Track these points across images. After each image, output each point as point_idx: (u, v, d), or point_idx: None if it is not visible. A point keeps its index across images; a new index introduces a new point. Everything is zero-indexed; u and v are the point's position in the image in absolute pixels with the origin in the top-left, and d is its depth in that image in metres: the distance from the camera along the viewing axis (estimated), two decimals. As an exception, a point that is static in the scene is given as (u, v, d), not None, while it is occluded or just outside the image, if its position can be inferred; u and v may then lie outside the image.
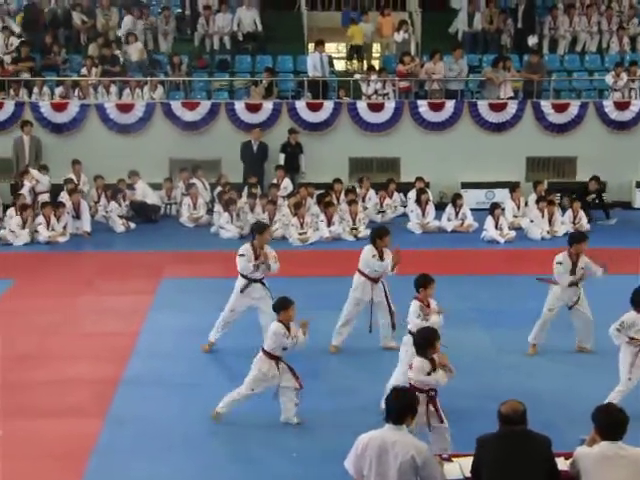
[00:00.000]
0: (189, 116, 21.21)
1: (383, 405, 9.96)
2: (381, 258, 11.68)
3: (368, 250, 11.76)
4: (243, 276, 11.80)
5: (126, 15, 23.92)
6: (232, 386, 9.86)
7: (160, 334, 12.72)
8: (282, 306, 9.74)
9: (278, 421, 9.82)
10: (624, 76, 21.79)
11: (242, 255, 11.74)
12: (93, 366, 11.46)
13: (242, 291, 11.76)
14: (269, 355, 9.68)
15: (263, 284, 11.82)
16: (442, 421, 8.45)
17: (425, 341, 8.47)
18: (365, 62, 23.97)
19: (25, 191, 19.34)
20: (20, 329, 12.89)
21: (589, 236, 12.22)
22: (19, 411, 10.16)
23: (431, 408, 8.41)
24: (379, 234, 11.84)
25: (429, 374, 8.39)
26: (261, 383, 9.71)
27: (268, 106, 21.36)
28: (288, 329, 9.67)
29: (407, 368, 9.72)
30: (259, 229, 12.03)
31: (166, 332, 12.78)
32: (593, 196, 20.22)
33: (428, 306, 9.92)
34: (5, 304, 14.19)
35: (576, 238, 11.88)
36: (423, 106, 21.45)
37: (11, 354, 11.80)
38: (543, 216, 18.70)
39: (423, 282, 9.92)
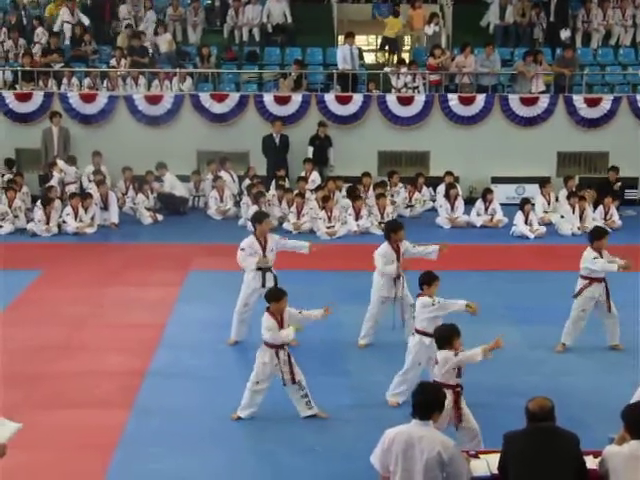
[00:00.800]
0: (217, 108, 21.25)
1: (390, 399, 10.10)
2: (397, 253, 11.67)
3: (380, 251, 11.70)
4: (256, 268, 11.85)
5: (121, 4, 23.97)
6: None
7: (187, 326, 12.78)
8: (274, 297, 9.66)
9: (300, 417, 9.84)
10: (659, 70, 21.64)
11: (242, 249, 11.83)
12: (120, 357, 11.53)
13: (264, 285, 11.75)
14: (269, 345, 9.64)
15: (272, 272, 11.87)
16: (460, 421, 8.39)
17: (443, 339, 8.43)
18: (395, 55, 23.91)
19: (55, 182, 19.50)
20: (47, 320, 12.99)
21: (620, 232, 12.12)
22: (46, 402, 10.26)
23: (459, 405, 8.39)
24: (393, 228, 11.81)
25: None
26: (266, 375, 9.68)
27: (297, 99, 21.36)
28: (279, 321, 9.60)
29: (414, 372, 9.76)
30: (258, 219, 12.08)
31: (192, 324, 12.84)
32: (619, 184, 20.13)
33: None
34: (32, 295, 14.29)
35: (597, 235, 11.78)
36: (453, 100, 21.37)
37: (38, 344, 11.92)
38: (574, 212, 18.57)
39: (428, 280, 9.84)
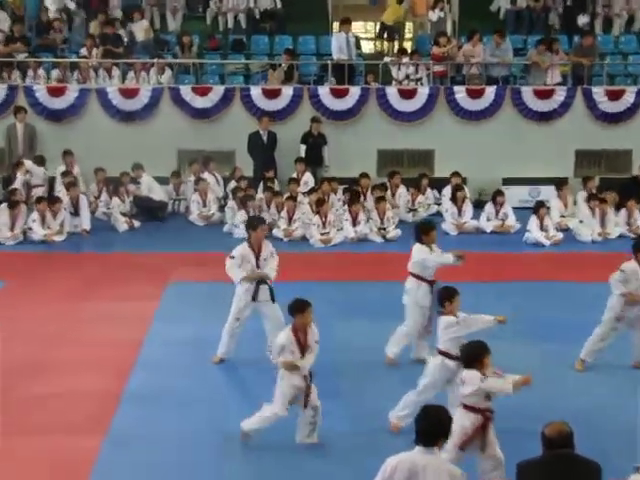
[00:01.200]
0: (200, 102, 21.28)
1: (393, 420, 10.09)
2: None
3: (419, 248, 11.59)
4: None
5: None
6: (244, 401, 9.83)
7: (166, 344, 12.74)
8: (298, 309, 9.51)
9: (295, 442, 9.82)
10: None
11: (232, 257, 11.77)
12: (92, 379, 11.50)
13: (254, 298, 11.76)
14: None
15: (267, 284, 11.82)
16: (483, 449, 8.40)
17: (472, 357, 8.41)
18: (396, 43, 23.95)
19: (19, 185, 19.47)
20: (11, 338, 12.89)
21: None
22: (12, 427, 10.21)
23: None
24: (424, 230, 11.69)
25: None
26: (295, 400, 9.58)
27: (288, 92, 21.39)
28: (299, 340, 9.49)
29: (426, 395, 9.72)
30: (253, 225, 11.98)
31: (173, 342, 12.80)
32: None
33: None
34: (-5, 310, 14.27)
35: None
36: (460, 92, 21.43)
37: (1, 365, 11.87)
38: (594, 216, 18.64)
39: (448, 295, 9.79)
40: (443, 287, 9.99)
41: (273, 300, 11.71)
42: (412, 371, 11.34)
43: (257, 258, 11.78)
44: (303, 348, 9.51)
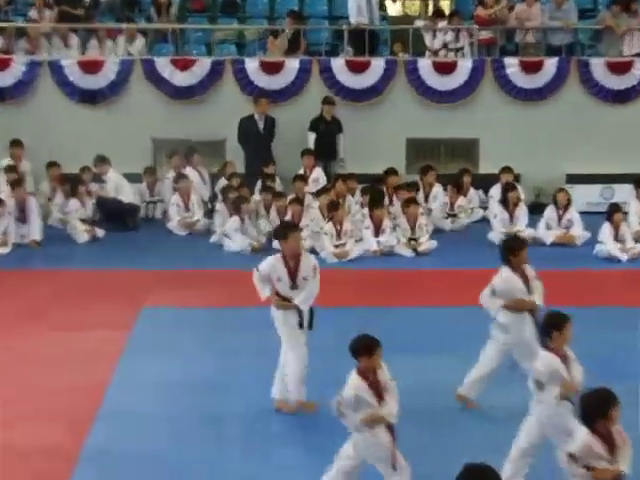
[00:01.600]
0: (181, 78, 21.30)
1: None
2: (526, 283, 11.45)
3: (503, 274, 11.45)
4: (282, 297, 11.60)
5: None
6: (240, 466, 9.65)
7: (136, 388, 12.65)
8: (365, 350, 9.20)
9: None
10: None
11: (257, 270, 11.64)
12: (40, 433, 11.37)
13: (301, 325, 11.51)
14: None
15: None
16: None
17: (597, 410, 8.26)
18: (431, 3, 23.92)
19: (-49, 184, 19.49)
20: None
21: None
22: None
23: None
24: (511, 248, 11.50)
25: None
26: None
27: (292, 65, 21.38)
28: (372, 384, 9.21)
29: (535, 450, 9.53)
30: (280, 234, 11.94)
31: (145, 385, 12.71)
32: None
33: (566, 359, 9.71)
34: None
35: None
36: (512, 66, 21.41)
37: None
38: (684, 224, 18.60)
39: (557, 322, 9.63)
40: (550, 312, 9.86)
41: (311, 326, 11.59)
42: (449, 415, 11.23)
43: (293, 276, 11.57)
44: (378, 393, 9.25)
